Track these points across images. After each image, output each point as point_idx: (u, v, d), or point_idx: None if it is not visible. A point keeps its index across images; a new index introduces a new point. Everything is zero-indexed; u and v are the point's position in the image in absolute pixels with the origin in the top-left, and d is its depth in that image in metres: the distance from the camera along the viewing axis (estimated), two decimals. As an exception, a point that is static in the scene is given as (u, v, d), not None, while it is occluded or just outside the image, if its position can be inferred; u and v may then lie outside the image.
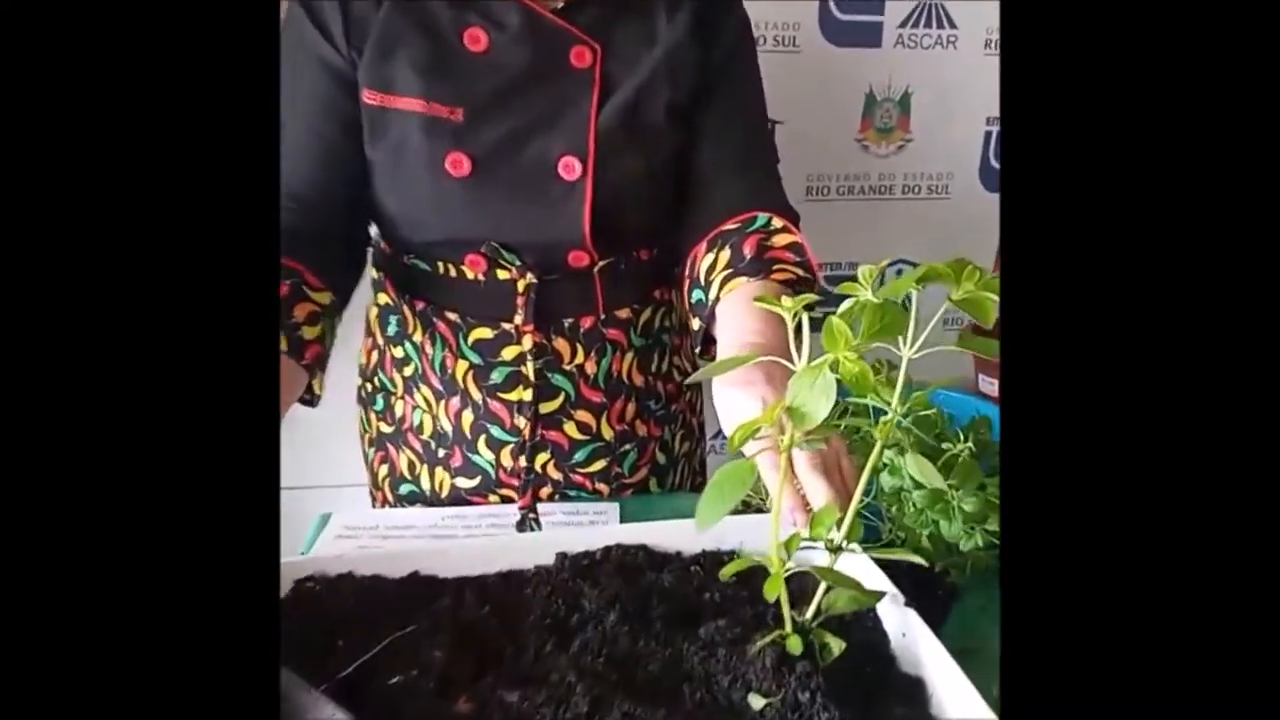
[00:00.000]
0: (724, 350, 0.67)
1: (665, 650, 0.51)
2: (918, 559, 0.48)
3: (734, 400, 0.62)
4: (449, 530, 0.88)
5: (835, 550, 0.49)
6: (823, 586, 0.50)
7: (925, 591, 0.68)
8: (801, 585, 0.56)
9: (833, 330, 0.41)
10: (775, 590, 0.46)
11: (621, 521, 0.88)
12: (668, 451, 0.96)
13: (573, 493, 0.91)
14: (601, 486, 0.92)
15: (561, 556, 0.60)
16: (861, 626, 0.53)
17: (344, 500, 1.16)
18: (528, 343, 0.84)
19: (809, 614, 0.50)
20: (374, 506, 0.99)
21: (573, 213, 0.78)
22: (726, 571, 0.48)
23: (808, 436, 0.46)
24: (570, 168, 0.78)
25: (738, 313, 0.70)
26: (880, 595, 0.52)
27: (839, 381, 0.42)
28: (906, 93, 1.53)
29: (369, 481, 0.99)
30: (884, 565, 0.69)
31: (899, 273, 1.74)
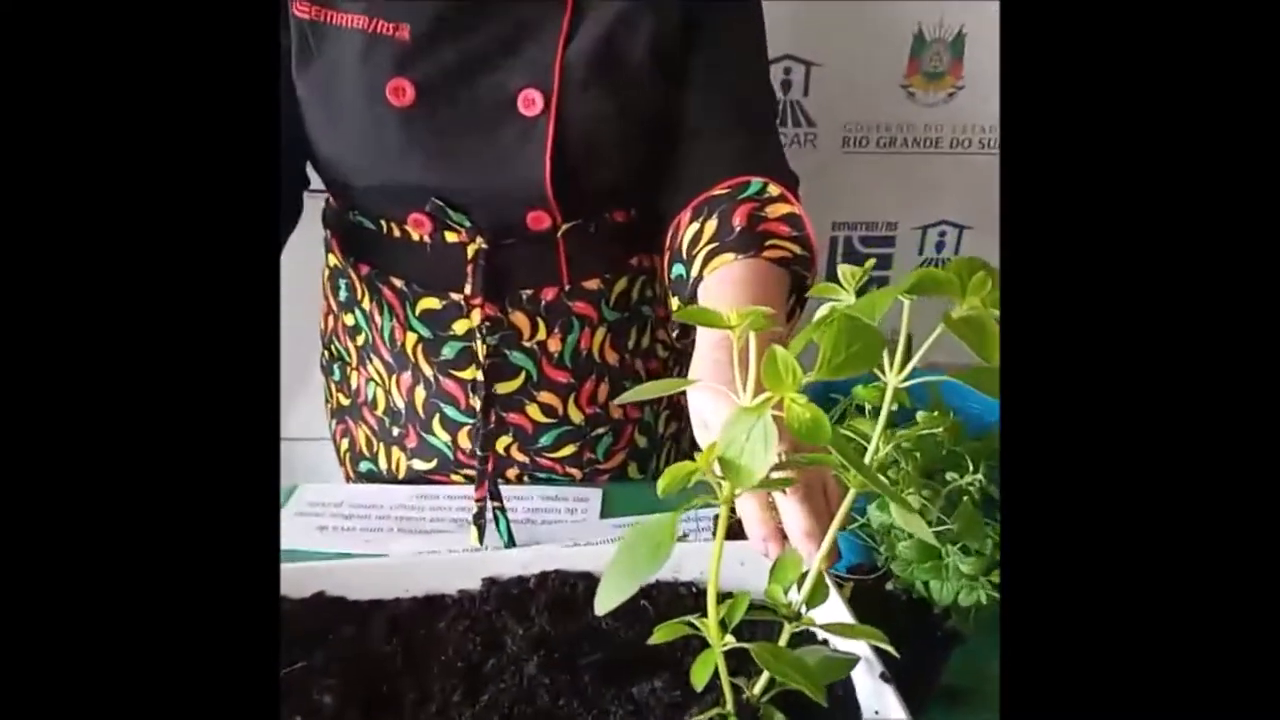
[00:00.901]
0: (703, 340, 0.57)
1: (588, 714, 0.43)
2: (884, 644, 0.39)
3: (709, 408, 0.53)
4: (416, 511, 0.82)
5: (791, 618, 0.40)
6: (783, 636, 0.42)
7: (923, 633, 0.59)
8: (753, 640, 0.47)
9: (776, 363, 0.31)
10: (704, 672, 0.37)
11: (602, 513, 0.80)
12: (649, 434, 0.87)
13: (542, 476, 0.83)
14: (573, 471, 0.83)
15: (489, 583, 0.52)
16: (829, 697, 0.44)
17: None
18: (477, 317, 0.74)
19: (758, 686, 0.41)
20: (346, 481, 0.93)
21: (531, 157, 0.67)
22: (656, 638, 0.39)
23: (772, 475, 0.36)
24: (531, 102, 0.67)
25: (723, 296, 0.60)
26: (852, 664, 0.43)
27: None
28: (960, 34, 1.37)
29: (335, 454, 0.93)
30: (877, 598, 0.60)
31: (941, 235, 1.60)
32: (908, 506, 0.35)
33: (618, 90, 0.68)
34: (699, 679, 0.36)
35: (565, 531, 0.77)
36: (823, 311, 0.39)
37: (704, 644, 0.39)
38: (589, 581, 0.52)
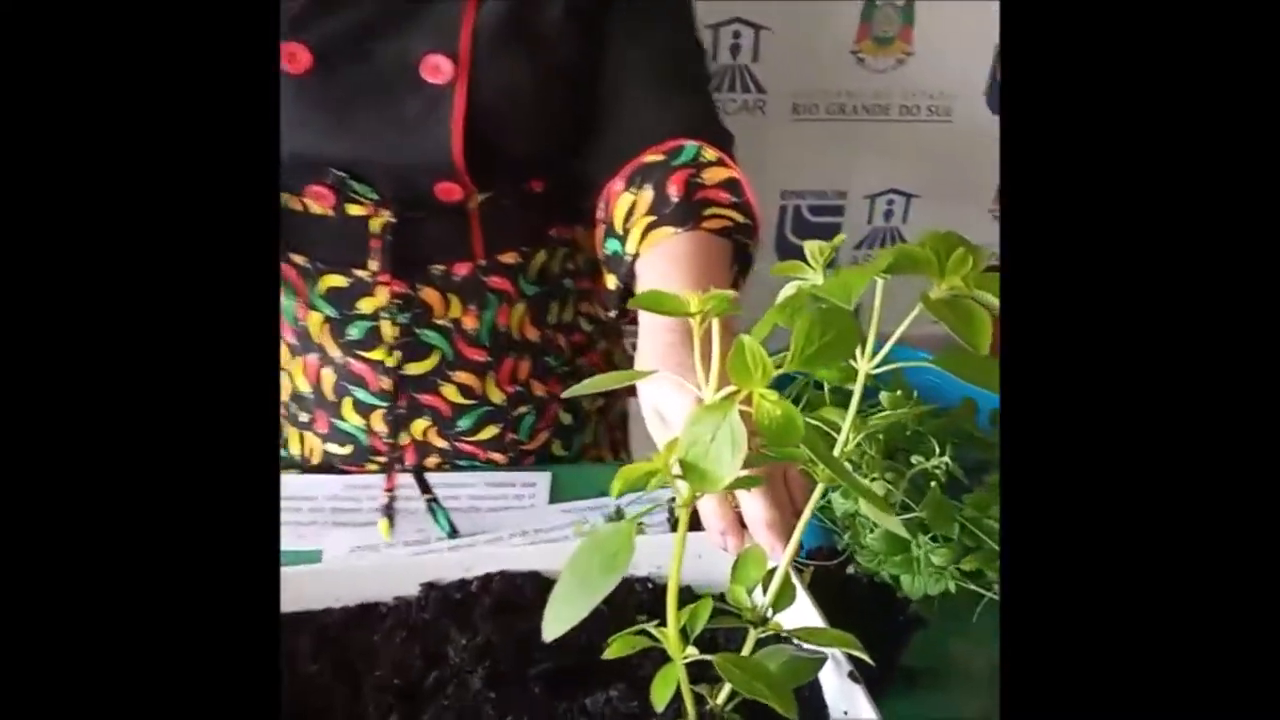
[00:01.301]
0: (646, 325, 0.54)
1: (539, 729, 0.40)
2: (857, 651, 0.36)
3: (664, 398, 0.49)
4: (352, 501, 0.76)
5: (757, 623, 0.37)
6: (748, 643, 0.39)
7: (886, 618, 0.57)
8: (715, 644, 0.44)
9: (744, 355, 0.27)
10: (666, 691, 0.34)
11: (552, 497, 0.76)
12: (574, 411, 0.83)
13: (463, 463, 0.79)
14: (496, 455, 0.79)
15: (428, 588, 0.47)
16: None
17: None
18: (384, 294, 0.69)
19: (722, 695, 0.38)
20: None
21: (439, 128, 0.62)
22: (612, 652, 0.36)
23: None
24: (437, 69, 0.62)
25: (665, 275, 0.56)
26: (819, 664, 0.40)
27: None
28: (910, -2, 1.35)
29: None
30: (838, 584, 0.58)
31: (890, 204, 1.58)
32: (881, 504, 0.32)
33: (533, 54, 0.64)
34: (660, 698, 0.33)
35: (513, 519, 0.73)
36: (788, 291, 0.36)
37: (663, 651, 0.36)
38: (537, 582, 0.48)
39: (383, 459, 0.76)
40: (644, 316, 0.55)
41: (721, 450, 0.27)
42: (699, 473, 0.28)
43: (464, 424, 0.76)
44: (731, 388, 0.29)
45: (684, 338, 0.50)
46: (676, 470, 0.30)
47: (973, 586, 0.45)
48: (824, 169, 1.47)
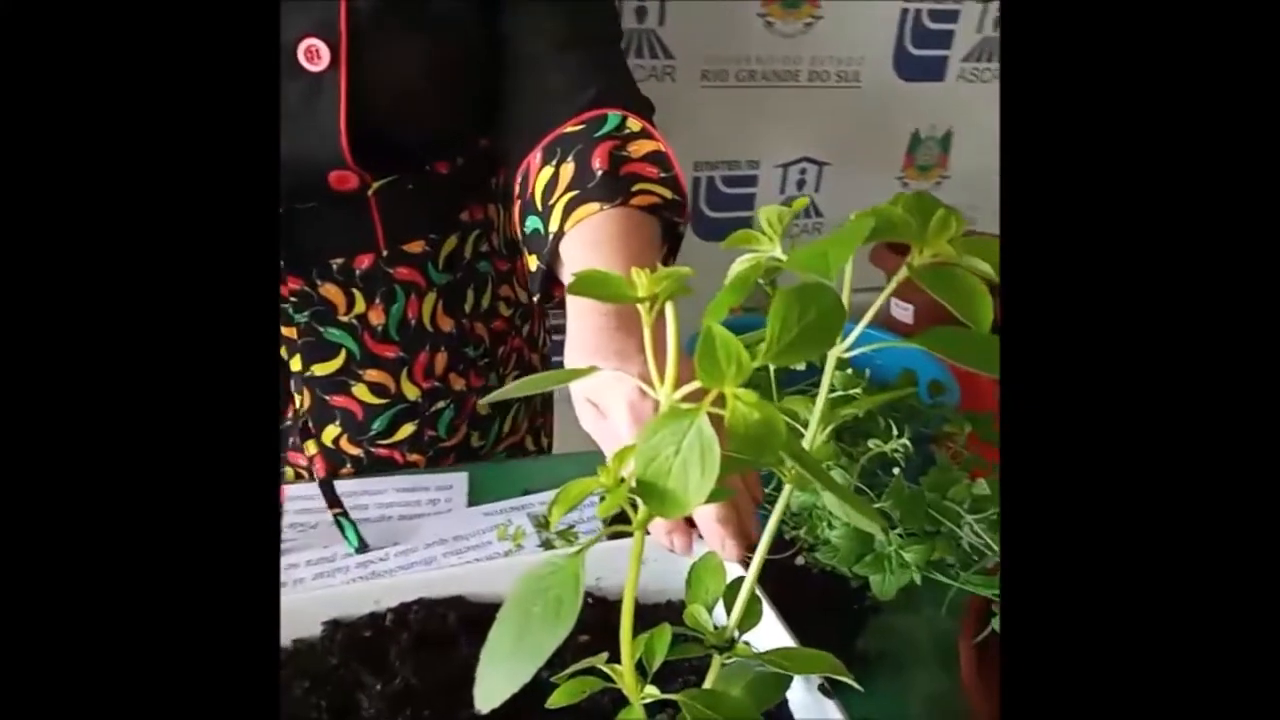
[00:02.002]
0: (575, 307, 0.48)
1: (474, 787, 0.34)
2: (840, 674, 0.32)
3: (600, 391, 0.44)
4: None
5: (723, 648, 0.32)
6: (713, 671, 0.34)
7: (841, 608, 0.54)
8: (668, 671, 0.40)
9: (714, 347, 0.22)
10: (625, 742, 0.28)
11: (471, 499, 0.70)
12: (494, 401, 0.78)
13: (380, 470, 0.72)
14: (414, 457, 0.73)
15: (332, 627, 0.41)
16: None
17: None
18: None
19: (684, 729, 0.33)
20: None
21: (322, 115, 0.57)
22: (556, 700, 0.30)
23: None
24: (314, 54, 0.56)
25: (594, 255, 0.50)
26: (788, 682, 0.36)
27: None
28: (817, -42, 1.32)
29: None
30: (790, 575, 0.55)
31: (802, 173, 1.56)
32: (863, 508, 0.28)
33: (422, 29, 0.58)
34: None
35: (430, 527, 0.67)
36: (740, 266, 0.31)
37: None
38: (461, 609, 0.42)
39: (297, 469, 0.69)
40: (573, 298, 0.49)
41: (689, 470, 0.22)
42: (660, 495, 0.22)
43: (378, 425, 0.70)
44: (693, 385, 0.24)
45: (620, 321, 0.45)
46: (632, 488, 0.25)
47: (938, 577, 0.42)
48: (736, 138, 1.43)
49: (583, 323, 0.47)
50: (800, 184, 1.54)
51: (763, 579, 0.50)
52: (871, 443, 0.43)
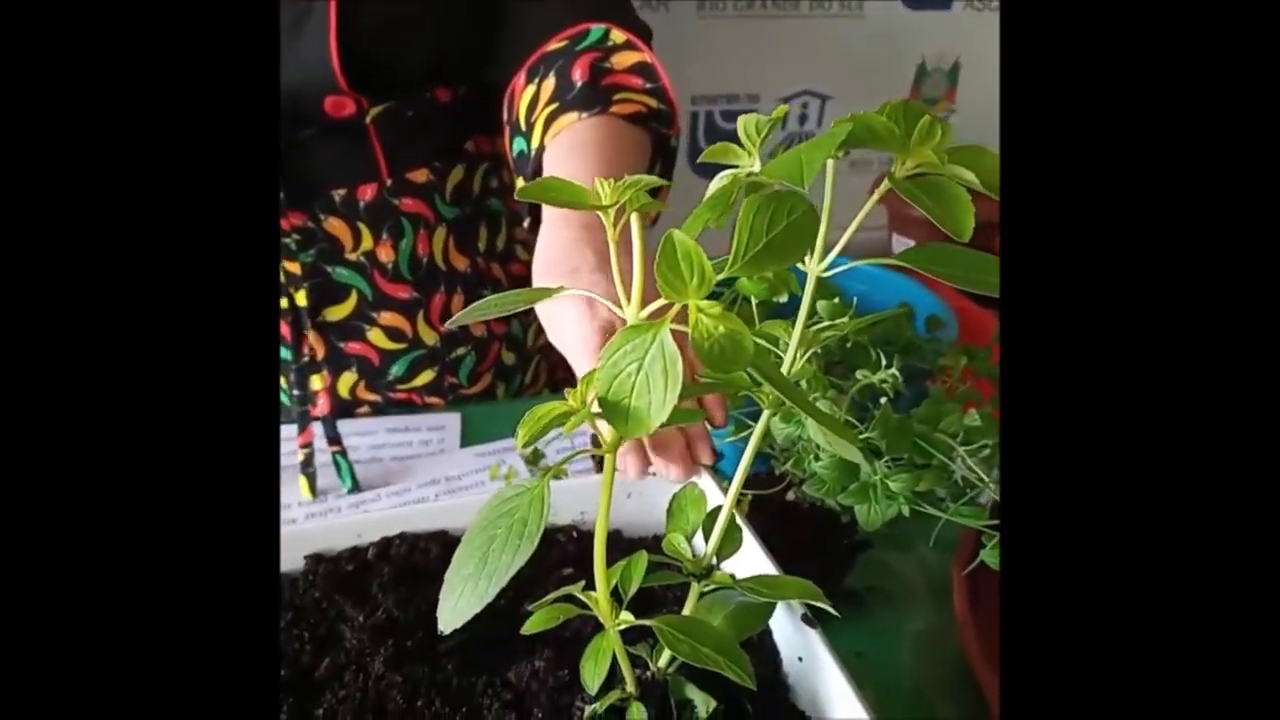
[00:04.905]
0: (546, 220, 0.46)
1: (456, 713, 0.34)
2: (820, 602, 0.31)
3: (562, 314, 0.42)
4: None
5: (700, 575, 0.32)
6: (691, 598, 0.34)
7: (830, 543, 0.54)
8: (652, 597, 0.40)
9: (676, 258, 0.21)
10: (599, 668, 0.28)
11: (464, 440, 0.70)
12: (517, 348, 0.76)
13: (399, 413, 0.71)
14: (434, 400, 0.72)
15: (314, 561, 0.41)
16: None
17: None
18: (282, 228, 0.60)
19: (664, 659, 0.33)
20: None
21: (312, 40, 0.54)
22: (531, 625, 0.30)
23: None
24: None
25: (570, 164, 0.48)
26: (770, 611, 0.36)
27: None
28: (818, -123, 1.26)
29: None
30: (779, 511, 0.54)
31: (804, 107, 1.52)
32: (844, 431, 0.27)
33: None
34: (591, 678, 0.28)
35: (423, 468, 0.67)
36: (719, 183, 0.30)
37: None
38: (444, 543, 0.42)
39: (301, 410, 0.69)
40: (546, 212, 0.47)
41: (652, 384, 0.21)
42: (624, 413, 0.22)
43: (396, 370, 0.69)
44: (659, 302, 0.23)
45: (589, 234, 0.42)
46: (596, 409, 0.24)
47: (926, 509, 0.41)
48: (734, 71, 1.39)
49: (546, 236, 0.45)
50: (802, 118, 1.50)
51: (750, 515, 0.49)
52: (860, 374, 0.42)
